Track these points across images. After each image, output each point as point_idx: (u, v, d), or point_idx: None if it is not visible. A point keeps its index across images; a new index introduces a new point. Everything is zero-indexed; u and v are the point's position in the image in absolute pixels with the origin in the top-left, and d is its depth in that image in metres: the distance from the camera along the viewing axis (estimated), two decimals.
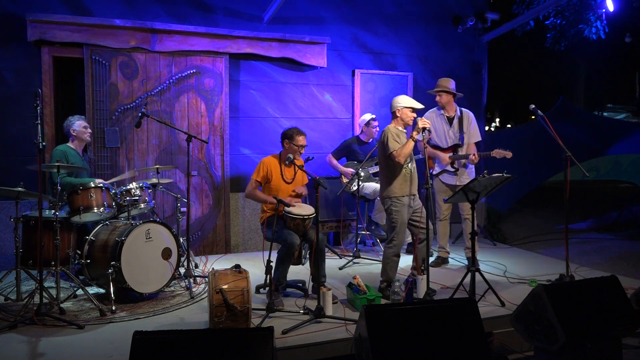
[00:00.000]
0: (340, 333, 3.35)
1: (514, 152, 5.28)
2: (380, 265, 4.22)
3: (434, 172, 5.18)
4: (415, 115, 4.16)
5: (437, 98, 5.04)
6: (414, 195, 4.18)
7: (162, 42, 5.44)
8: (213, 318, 3.26)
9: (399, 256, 4.16)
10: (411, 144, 3.96)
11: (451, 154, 5.05)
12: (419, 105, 4.16)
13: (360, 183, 5.51)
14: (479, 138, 5.14)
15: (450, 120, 5.06)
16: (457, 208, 5.21)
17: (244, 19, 5.89)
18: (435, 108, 5.15)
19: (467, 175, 5.03)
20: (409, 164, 4.14)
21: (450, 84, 5.00)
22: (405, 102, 4.16)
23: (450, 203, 5.14)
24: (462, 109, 5.13)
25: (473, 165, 5.08)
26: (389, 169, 4.12)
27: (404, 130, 4.18)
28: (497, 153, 4.76)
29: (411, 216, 4.18)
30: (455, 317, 2.63)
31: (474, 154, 4.84)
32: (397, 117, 4.17)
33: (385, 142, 4.06)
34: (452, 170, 5.05)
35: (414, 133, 3.93)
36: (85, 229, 4.40)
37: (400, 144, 4.03)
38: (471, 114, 5.14)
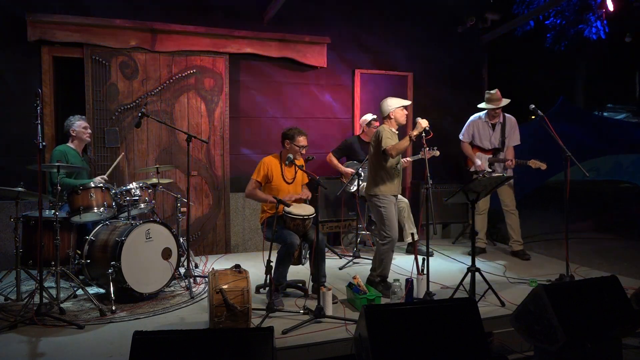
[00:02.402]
0: (340, 333, 3.34)
1: (514, 152, 5.33)
2: None
3: (473, 170, 5.57)
4: (406, 112, 4.29)
5: (497, 111, 5.38)
6: (397, 194, 4.30)
7: (162, 42, 5.44)
8: (213, 318, 3.26)
9: (393, 251, 4.23)
10: (407, 141, 4.01)
11: (491, 155, 5.46)
12: (408, 102, 4.28)
13: (360, 183, 5.51)
14: (518, 142, 5.44)
15: (493, 126, 5.46)
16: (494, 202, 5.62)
17: (244, 19, 5.89)
18: (480, 113, 5.55)
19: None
20: (398, 165, 4.23)
21: (499, 96, 5.35)
22: (395, 103, 4.24)
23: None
24: (506, 114, 5.45)
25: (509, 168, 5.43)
26: (378, 168, 4.21)
27: (397, 132, 4.26)
28: (533, 163, 5.06)
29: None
30: (455, 317, 2.63)
31: (511, 160, 5.24)
32: (391, 118, 4.24)
33: (379, 139, 4.12)
34: (490, 170, 5.43)
35: (413, 132, 3.95)
36: (85, 229, 4.40)
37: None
38: (514, 120, 5.48)
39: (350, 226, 6.14)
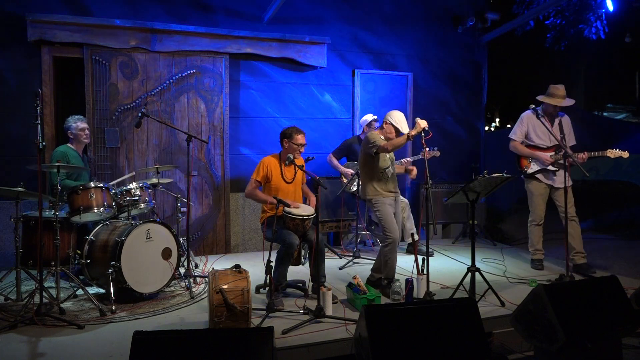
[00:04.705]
0: (340, 333, 3.34)
1: (514, 152, 5.27)
2: None
3: (530, 171, 4.98)
4: (396, 135, 4.24)
5: (551, 109, 4.86)
6: (395, 193, 4.30)
7: (162, 42, 5.44)
8: (213, 318, 3.26)
9: (396, 252, 4.21)
10: (404, 139, 4.00)
11: (552, 153, 4.88)
12: (404, 130, 4.17)
13: (360, 183, 5.51)
14: (574, 142, 4.95)
15: (551, 121, 4.89)
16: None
17: (244, 19, 5.89)
18: (535, 108, 4.80)
19: (561, 177, 4.80)
20: (387, 169, 4.24)
21: (564, 93, 4.83)
22: (396, 120, 4.21)
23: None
24: (561, 113, 4.98)
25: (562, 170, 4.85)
26: (369, 172, 4.24)
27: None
28: (612, 153, 4.52)
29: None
30: (455, 317, 2.63)
31: (584, 153, 4.63)
32: (383, 128, 4.27)
33: (370, 142, 4.14)
34: (553, 169, 4.89)
35: (412, 131, 3.95)
36: (85, 229, 4.40)
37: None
38: (569, 119, 5.00)
39: (350, 226, 6.14)
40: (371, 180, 4.23)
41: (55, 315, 3.58)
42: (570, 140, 4.94)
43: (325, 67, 6.14)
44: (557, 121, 4.91)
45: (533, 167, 4.99)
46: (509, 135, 5.13)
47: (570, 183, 4.88)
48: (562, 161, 4.65)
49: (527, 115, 5.03)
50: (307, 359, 3.18)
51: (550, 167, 4.91)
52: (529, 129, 5.01)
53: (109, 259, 3.88)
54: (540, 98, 4.91)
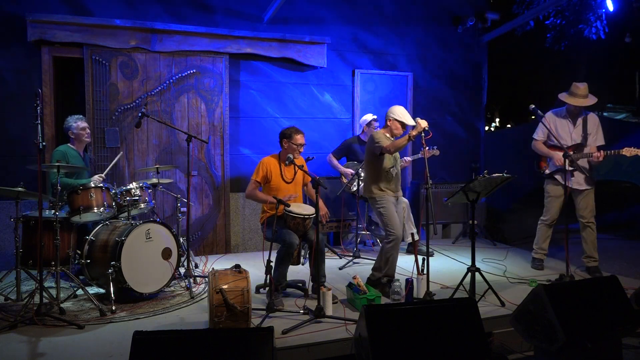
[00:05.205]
0: (340, 333, 3.34)
1: (514, 152, 5.25)
2: None
3: (548, 172, 4.91)
4: (403, 129, 4.26)
5: (572, 108, 4.78)
6: (397, 195, 4.30)
7: (162, 42, 5.44)
8: (213, 318, 3.26)
9: (398, 250, 4.21)
10: (406, 140, 4.01)
11: (572, 153, 4.70)
12: (411, 122, 4.20)
13: (360, 183, 5.52)
14: (602, 142, 4.80)
15: (574, 120, 4.82)
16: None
17: (244, 19, 5.89)
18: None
19: (582, 179, 4.76)
20: (392, 169, 4.24)
21: (586, 92, 4.74)
22: (399, 114, 4.24)
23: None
24: (587, 112, 4.90)
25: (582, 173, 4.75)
26: (374, 171, 4.24)
27: (392, 138, 4.26)
28: (628, 151, 4.41)
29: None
30: (455, 317, 2.63)
31: (599, 152, 4.55)
32: (388, 126, 4.28)
33: (374, 141, 4.16)
34: (570, 169, 4.67)
35: (413, 132, 3.95)
36: (85, 229, 4.40)
37: None
38: (596, 118, 4.86)
39: (350, 226, 6.14)
40: (375, 179, 4.24)
41: (55, 315, 3.58)
42: (598, 139, 4.80)
43: (325, 67, 6.14)
44: (579, 120, 4.83)
45: (551, 168, 4.91)
46: (533, 136, 5.06)
47: (591, 185, 4.81)
48: (578, 160, 4.60)
49: (548, 115, 4.95)
50: (307, 359, 3.18)
51: (567, 167, 4.73)
52: (550, 128, 4.87)
53: (109, 259, 3.88)
54: (562, 97, 4.84)
